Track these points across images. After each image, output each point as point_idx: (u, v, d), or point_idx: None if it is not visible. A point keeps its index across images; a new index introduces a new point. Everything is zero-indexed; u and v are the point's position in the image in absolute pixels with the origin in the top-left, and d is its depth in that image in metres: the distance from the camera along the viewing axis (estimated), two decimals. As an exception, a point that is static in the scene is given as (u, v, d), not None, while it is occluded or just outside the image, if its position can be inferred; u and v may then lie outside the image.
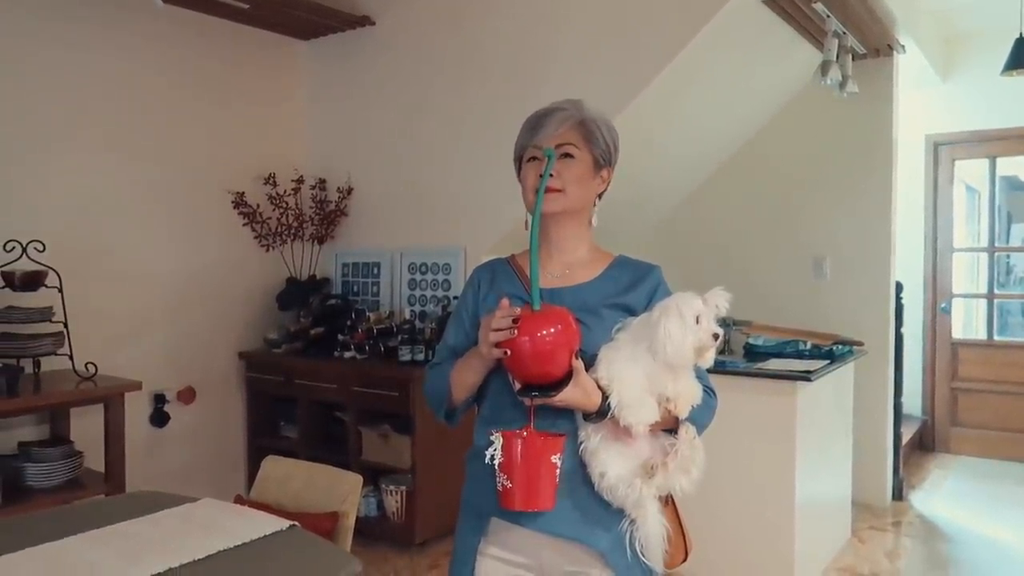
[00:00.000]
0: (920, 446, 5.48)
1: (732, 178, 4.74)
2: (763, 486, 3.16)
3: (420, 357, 3.66)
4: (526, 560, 1.40)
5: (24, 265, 3.11)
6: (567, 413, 1.33)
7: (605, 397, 1.29)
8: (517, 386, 1.29)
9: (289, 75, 4.41)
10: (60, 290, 3.17)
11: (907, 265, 5.17)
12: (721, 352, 1.40)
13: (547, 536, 1.36)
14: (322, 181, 4.34)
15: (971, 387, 5.42)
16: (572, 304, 1.39)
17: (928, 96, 5.29)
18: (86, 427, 3.31)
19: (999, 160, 5.47)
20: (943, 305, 5.49)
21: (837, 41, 3.73)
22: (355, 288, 4.36)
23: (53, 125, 3.42)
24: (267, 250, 4.23)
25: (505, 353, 1.26)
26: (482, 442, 1.38)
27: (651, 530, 1.35)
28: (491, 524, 1.42)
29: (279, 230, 4.22)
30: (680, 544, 1.44)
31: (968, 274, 5.74)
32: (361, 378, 3.72)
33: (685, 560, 1.46)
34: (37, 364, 3.16)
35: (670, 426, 1.35)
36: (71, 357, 3.18)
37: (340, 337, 3.94)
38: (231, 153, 4.10)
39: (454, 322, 1.53)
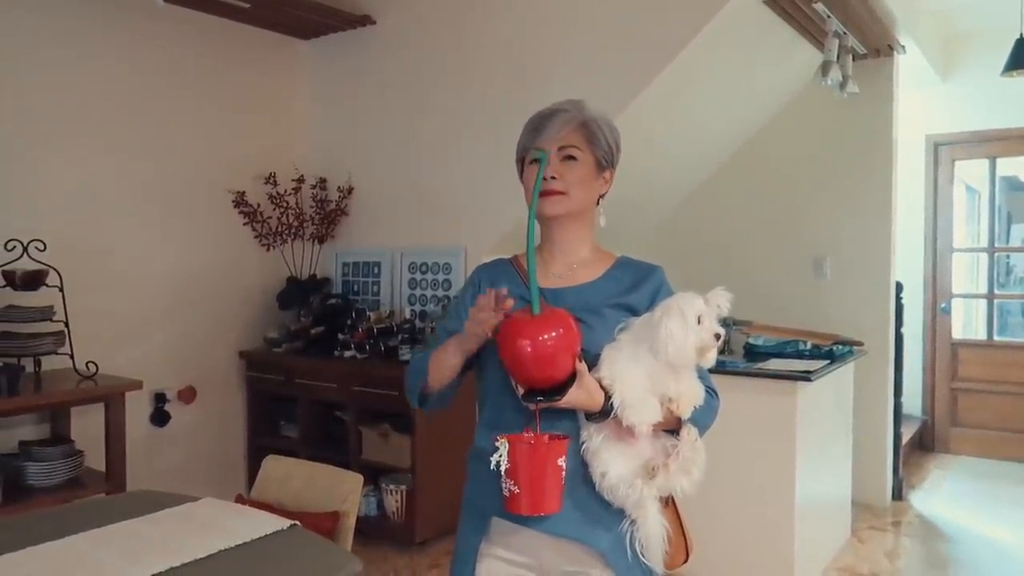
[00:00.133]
0: (920, 446, 5.48)
1: (732, 178, 4.74)
2: (763, 486, 3.16)
3: (420, 357, 3.65)
4: (527, 560, 1.40)
5: (25, 264, 3.11)
6: (569, 413, 1.33)
7: (608, 397, 1.29)
8: (521, 391, 1.29)
9: (290, 74, 4.41)
10: (61, 289, 3.17)
11: (907, 265, 5.17)
12: (721, 352, 1.40)
13: (548, 536, 1.36)
14: (323, 180, 4.34)
15: (971, 387, 5.42)
16: (574, 304, 1.39)
17: (928, 96, 5.29)
18: (87, 426, 3.31)
19: (999, 160, 5.47)
20: (943, 305, 5.49)
21: (837, 41, 3.73)
22: (355, 287, 4.36)
23: (54, 124, 3.42)
24: (267, 249, 4.24)
25: (492, 333, 1.27)
26: (483, 443, 1.38)
27: (651, 531, 1.35)
28: (492, 524, 1.42)
29: (279, 229, 4.22)
30: (681, 545, 1.44)
31: (968, 274, 5.74)
32: (361, 377, 3.72)
33: (686, 561, 1.46)
34: (38, 363, 3.16)
35: (672, 427, 1.35)
36: (72, 356, 3.18)
37: (340, 336, 3.94)
38: (232, 152, 4.10)
39: (449, 317, 1.53)
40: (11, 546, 1.67)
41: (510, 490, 1.26)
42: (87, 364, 3.16)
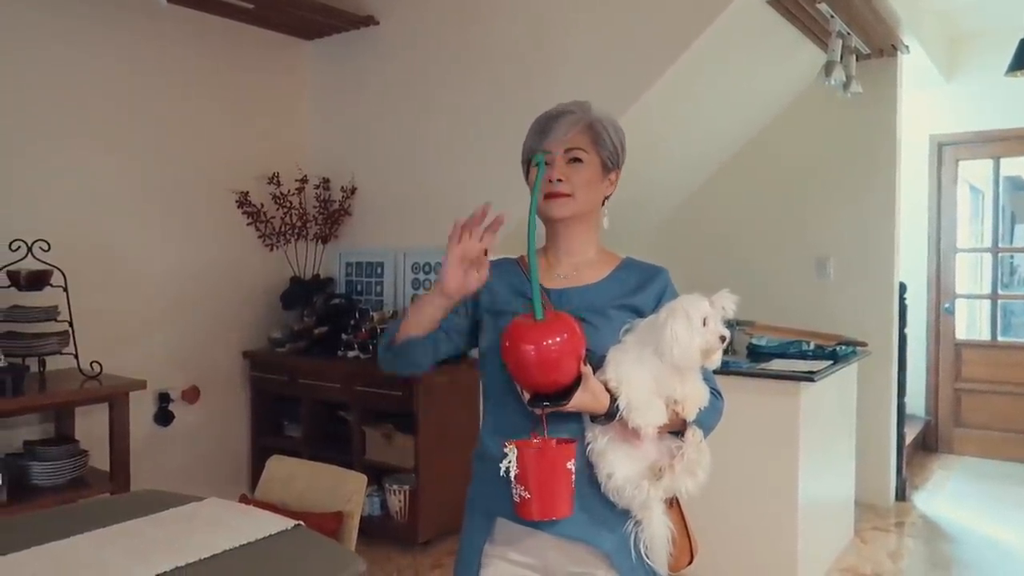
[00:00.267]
0: (923, 447, 5.47)
1: (735, 178, 4.74)
2: (766, 486, 3.16)
3: (424, 357, 3.66)
4: (532, 561, 1.40)
5: (29, 264, 3.12)
6: (575, 415, 1.33)
7: (613, 399, 1.29)
8: (526, 396, 1.29)
9: (293, 75, 4.42)
10: (65, 289, 3.18)
11: (911, 265, 5.16)
12: (724, 352, 1.40)
13: (553, 537, 1.36)
14: (326, 180, 4.34)
15: (974, 388, 5.41)
16: (580, 304, 1.39)
17: (932, 96, 5.28)
18: (91, 426, 3.32)
19: (1003, 161, 5.46)
20: (947, 306, 5.48)
21: (841, 41, 3.73)
22: (359, 287, 4.36)
23: (58, 124, 3.43)
24: (271, 249, 4.24)
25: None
26: (489, 446, 1.38)
27: (656, 532, 1.35)
28: (497, 524, 1.42)
29: (283, 229, 4.22)
30: (685, 546, 1.44)
31: (972, 275, 5.73)
32: (364, 377, 3.73)
33: (691, 562, 1.46)
34: (42, 363, 3.17)
35: (676, 428, 1.35)
36: (76, 356, 3.19)
37: (344, 336, 3.95)
38: (235, 153, 4.11)
39: None
40: (16, 546, 1.68)
41: (521, 495, 1.26)
42: (91, 364, 3.17)
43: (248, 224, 4.14)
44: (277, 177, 4.18)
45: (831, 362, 3.39)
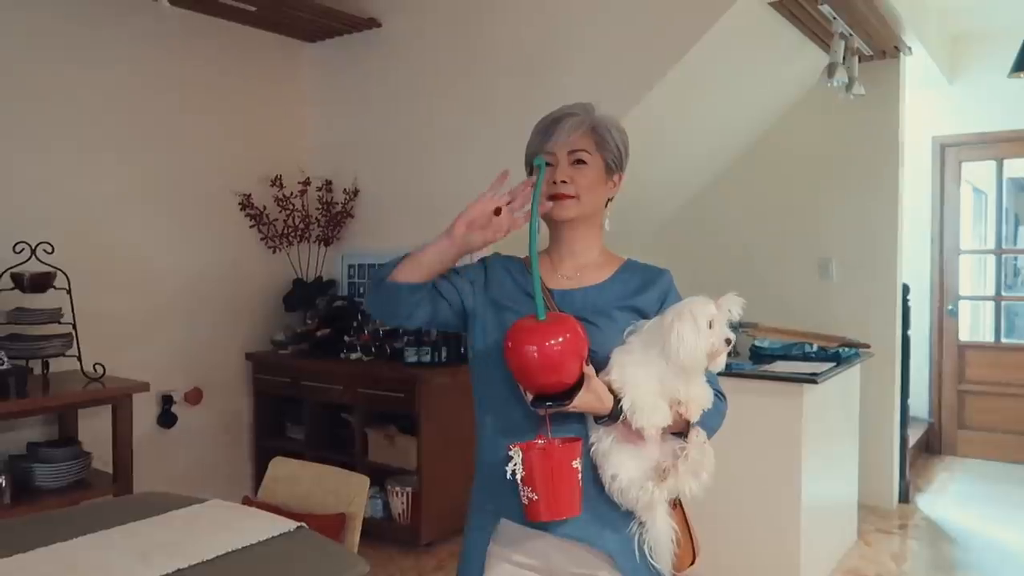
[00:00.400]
0: (927, 448, 5.46)
1: (737, 179, 4.74)
2: (769, 488, 3.15)
3: (426, 359, 3.67)
4: (536, 562, 1.40)
5: (33, 267, 3.12)
6: (578, 416, 1.33)
7: (617, 400, 1.29)
8: (529, 397, 1.29)
9: (295, 77, 4.43)
10: (69, 292, 3.18)
11: (914, 267, 5.15)
12: (727, 355, 1.40)
13: (557, 538, 1.36)
14: (328, 183, 4.35)
15: (978, 389, 5.40)
16: (583, 305, 1.39)
17: (935, 97, 5.27)
18: (94, 428, 3.32)
19: (1006, 162, 5.45)
20: (950, 307, 5.47)
21: (843, 43, 3.72)
22: (361, 289, 4.37)
23: (60, 127, 3.43)
24: (274, 252, 4.25)
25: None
26: (491, 447, 1.38)
27: (660, 533, 1.35)
28: (500, 525, 1.42)
29: (285, 232, 4.23)
30: (688, 547, 1.43)
31: (975, 276, 5.72)
32: (367, 379, 3.73)
33: (693, 563, 1.46)
34: (46, 365, 3.18)
35: (680, 429, 1.35)
36: (79, 358, 3.20)
37: (346, 338, 3.95)
38: (238, 155, 4.12)
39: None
40: (20, 547, 1.68)
41: (528, 497, 1.26)
42: (94, 366, 3.18)
43: (251, 226, 4.15)
44: (280, 179, 4.18)
45: (834, 364, 3.38)
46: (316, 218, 4.32)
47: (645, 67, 3.34)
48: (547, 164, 1.40)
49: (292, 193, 4.23)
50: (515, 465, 1.25)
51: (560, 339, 1.23)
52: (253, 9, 3.83)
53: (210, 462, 4.02)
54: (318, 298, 4.23)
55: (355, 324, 4.00)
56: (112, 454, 3.13)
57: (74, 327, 3.19)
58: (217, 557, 1.66)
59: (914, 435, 4.91)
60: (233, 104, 4.10)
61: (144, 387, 3.21)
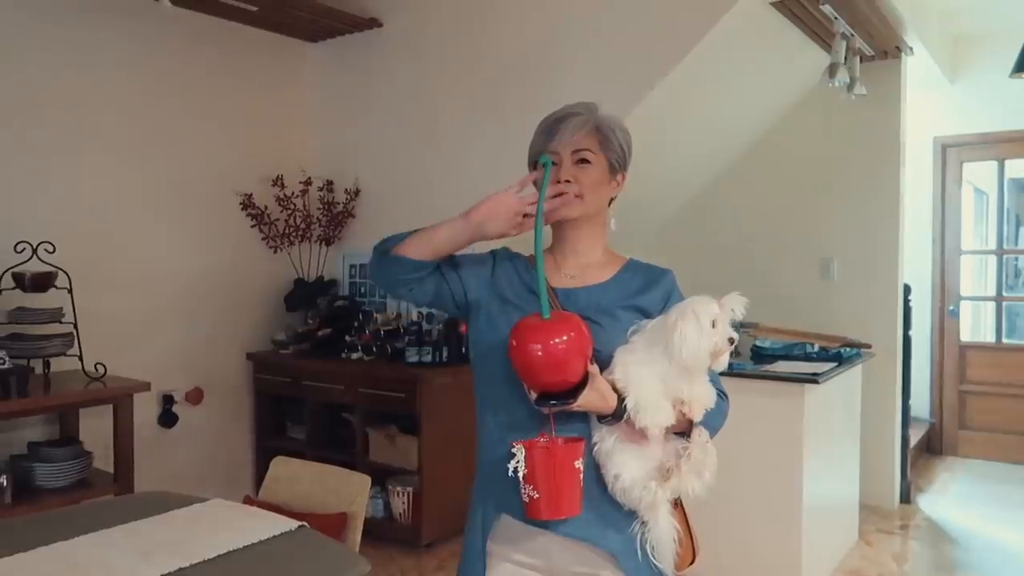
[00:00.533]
0: (928, 449, 5.46)
1: (739, 179, 4.74)
2: (771, 488, 3.15)
3: (427, 359, 3.67)
4: (536, 562, 1.40)
5: (34, 266, 3.12)
6: (581, 415, 1.33)
7: (621, 399, 1.29)
8: (533, 396, 1.29)
9: (297, 77, 4.43)
10: (70, 291, 3.18)
11: (915, 267, 5.15)
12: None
13: (559, 538, 1.36)
14: (329, 183, 4.35)
15: (979, 390, 5.39)
16: (587, 304, 1.39)
17: (936, 98, 5.27)
18: (95, 427, 3.32)
19: (1007, 162, 5.45)
20: (951, 307, 5.47)
21: (845, 43, 3.72)
22: (362, 289, 4.37)
23: (61, 127, 3.44)
24: (275, 251, 4.25)
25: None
26: (494, 444, 1.38)
27: (662, 533, 1.35)
28: (501, 524, 1.42)
29: (287, 231, 4.23)
30: (688, 547, 1.44)
31: (976, 277, 5.72)
32: (368, 379, 3.73)
33: (693, 563, 1.46)
34: (47, 365, 3.18)
35: (682, 429, 1.35)
36: (80, 358, 3.20)
37: (347, 338, 3.95)
38: (239, 155, 4.12)
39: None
40: (21, 547, 1.68)
41: (529, 495, 1.26)
42: (96, 366, 3.18)
43: (252, 226, 4.15)
44: (281, 179, 4.18)
45: (835, 364, 3.38)
46: (317, 218, 4.32)
47: (647, 67, 3.34)
48: (552, 163, 1.40)
49: (293, 193, 4.23)
50: (517, 462, 1.25)
51: (564, 338, 1.23)
52: (254, 9, 3.83)
53: (211, 462, 4.02)
54: (319, 298, 4.23)
55: (356, 324, 4.00)
56: (113, 454, 3.13)
57: (75, 327, 3.19)
58: (218, 556, 1.66)
59: (915, 435, 4.90)
60: (234, 104, 4.10)
61: (145, 387, 3.21)
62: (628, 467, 1.31)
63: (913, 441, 4.71)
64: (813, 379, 3.09)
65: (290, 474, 2.27)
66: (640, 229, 4.56)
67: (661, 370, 1.29)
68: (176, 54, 3.83)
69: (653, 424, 1.28)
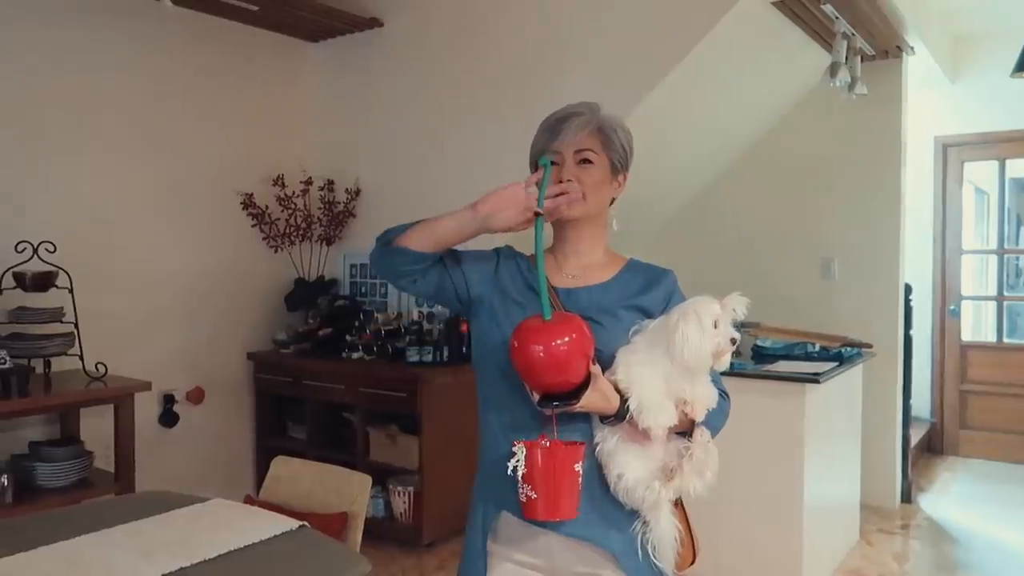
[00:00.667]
0: (929, 448, 5.46)
1: (740, 179, 4.74)
2: (772, 488, 3.15)
3: (428, 358, 3.67)
4: (537, 561, 1.40)
5: (35, 266, 3.12)
6: (583, 415, 1.33)
7: (623, 400, 1.29)
8: (536, 397, 1.29)
9: (298, 77, 4.43)
10: (71, 291, 3.18)
11: (916, 267, 5.15)
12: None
13: (561, 537, 1.36)
14: (330, 182, 4.35)
15: (980, 389, 5.39)
16: (588, 304, 1.39)
17: (937, 97, 5.27)
18: (96, 427, 3.32)
19: (1008, 162, 5.45)
20: (952, 307, 5.46)
21: (846, 43, 3.72)
22: (363, 289, 4.37)
23: (62, 127, 3.43)
24: (276, 251, 4.25)
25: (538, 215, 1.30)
26: (496, 443, 1.38)
27: (664, 532, 1.35)
28: (502, 524, 1.42)
29: (288, 231, 4.23)
30: (689, 547, 1.44)
31: (977, 276, 5.72)
32: (369, 379, 3.73)
33: (694, 563, 1.46)
34: (48, 364, 3.18)
35: (684, 429, 1.35)
36: (81, 357, 3.20)
37: (348, 338, 3.95)
38: (240, 154, 4.12)
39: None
40: (23, 546, 1.68)
41: (527, 495, 1.26)
42: (96, 365, 3.18)
43: (253, 226, 4.15)
44: (282, 179, 4.18)
45: (836, 364, 3.38)
46: (318, 218, 4.32)
47: (647, 66, 3.33)
48: (553, 163, 1.40)
49: (294, 193, 4.23)
50: (517, 461, 1.25)
51: (566, 339, 1.23)
52: (255, 9, 3.83)
53: (212, 461, 4.02)
54: (320, 297, 4.23)
55: (357, 324, 4.00)
56: (114, 453, 3.13)
57: (76, 326, 3.19)
58: (219, 556, 1.66)
59: (916, 435, 4.90)
60: (235, 104, 4.10)
61: (146, 386, 3.21)
62: (631, 467, 1.31)
63: (914, 441, 4.71)
64: (814, 379, 3.09)
65: (291, 474, 2.27)
66: (640, 229, 4.56)
67: (663, 370, 1.29)
68: (176, 54, 3.83)
69: (656, 424, 1.28)
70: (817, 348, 3.60)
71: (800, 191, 4.59)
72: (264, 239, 4.19)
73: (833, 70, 3.71)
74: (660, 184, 4.27)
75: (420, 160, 4.09)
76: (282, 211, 4.21)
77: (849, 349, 3.63)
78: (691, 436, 1.35)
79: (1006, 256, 5.60)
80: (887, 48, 4.23)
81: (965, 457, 5.39)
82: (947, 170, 5.44)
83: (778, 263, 4.62)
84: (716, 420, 1.39)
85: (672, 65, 3.30)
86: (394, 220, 4.20)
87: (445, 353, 3.70)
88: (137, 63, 3.68)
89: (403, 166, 4.17)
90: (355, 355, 3.88)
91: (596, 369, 1.27)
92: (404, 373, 3.62)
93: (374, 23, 4.13)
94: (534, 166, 1.48)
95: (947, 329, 5.48)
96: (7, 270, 3.08)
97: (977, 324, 5.71)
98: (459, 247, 1.45)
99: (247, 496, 2.67)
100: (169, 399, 3.80)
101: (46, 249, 3.13)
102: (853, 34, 3.77)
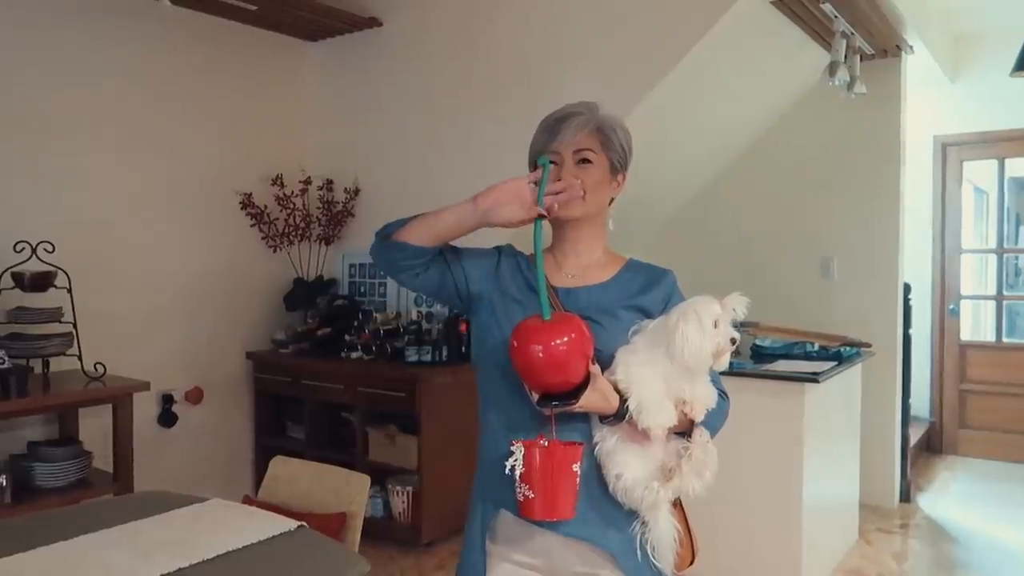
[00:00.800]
0: (928, 448, 5.46)
1: (739, 178, 4.74)
2: (770, 488, 3.15)
3: (427, 358, 3.66)
4: (536, 561, 1.40)
5: (34, 266, 3.12)
6: (582, 415, 1.33)
7: (623, 400, 1.29)
8: (535, 397, 1.29)
9: (297, 76, 4.42)
10: (69, 291, 3.18)
11: (915, 266, 5.15)
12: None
13: (558, 536, 1.36)
14: (329, 182, 4.35)
15: (979, 389, 5.39)
16: (588, 304, 1.39)
17: (936, 97, 5.26)
18: (95, 427, 3.32)
19: (1007, 161, 5.45)
20: (951, 307, 5.47)
21: (845, 42, 3.72)
22: (362, 289, 4.37)
23: (61, 126, 3.43)
24: (274, 251, 4.25)
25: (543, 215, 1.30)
26: (496, 443, 1.38)
27: (663, 533, 1.35)
28: (501, 523, 1.42)
29: (286, 231, 4.23)
30: (688, 547, 1.44)
31: (976, 276, 5.72)
32: (368, 378, 3.73)
33: (693, 563, 1.46)
34: (46, 364, 3.18)
35: (683, 429, 1.35)
36: (80, 357, 3.19)
37: (347, 338, 3.95)
38: (239, 154, 4.11)
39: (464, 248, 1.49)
40: (20, 547, 1.68)
41: (524, 495, 1.26)
42: (95, 365, 3.18)
43: (252, 225, 4.15)
44: (280, 179, 4.18)
45: (835, 363, 3.38)
46: (317, 217, 4.31)
47: (647, 66, 3.33)
48: (552, 163, 1.40)
49: (293, 192, 4.23)
50: (515, 461, 1.25)
51: (566, 339, 1.23)
52: (254, 8, 3.83)
53: (210, 461, 4.02)
54: (319, 297, 4.23)
55: (356, 323, 3.99)
56: (113, 453, 3.13)
57: (75, 326, 3.19)
58: (218, 556, 1.66)
59: (915, 434, 4.90)
60: (234, 103, 4.09)
61: (145, 386, 3.21)
62: (630, 467, 1.31)
63: (913, 440, 4.71)
64: (813, 378, 3.08)
65: (289, 474, 2.27)
66: (640, 229, 4.55)
67: (663, 370, 1.29)
68: (176, 54, 3.83)
69: (656, 425, 1.28)
70: (816, 347, 3.60)
71: (799, 190, 4.59)
72: (263, 239, 4.19)
73: (832, 69, 3.71)
74: (660, 184, 4.26)
75: (419, 160, 4.09)
76: (281, 211, 4.21)
77: (848, 348, 3.63)
78: (690, 436, 1.35)
79: (1005, 255, 5.60)
80: (886, 47, 4.23)
81: (964, 456, 5.39)
82: (946, 169, 5.45)
83: (777, 263, 4.62)
84: (715, 420, 1.38)
85: (671, 65, 3.29)
86: (393, 219, 4.18)
87: (444, 353, 3.70)
88: (136, 63, 3.68)
89: (402, 166, 4.16)
90: (354, 355, 3.88)
91: (595, 369, 1.27)
92: (403, 373, 3.61)
93: (373, 23, 4.13)
94: (533, 166, 1.47)
95: (946, 328, 5.48)
96: (6, 270, 3.08)
97: (976, 323, 5.71)
98: (460, 244, 1.45)
99: (245, 496, 2.67)
100: (168, 399, 3.80)
101: (44, 249, 3.13)
102: (852, 33, 3.77)
